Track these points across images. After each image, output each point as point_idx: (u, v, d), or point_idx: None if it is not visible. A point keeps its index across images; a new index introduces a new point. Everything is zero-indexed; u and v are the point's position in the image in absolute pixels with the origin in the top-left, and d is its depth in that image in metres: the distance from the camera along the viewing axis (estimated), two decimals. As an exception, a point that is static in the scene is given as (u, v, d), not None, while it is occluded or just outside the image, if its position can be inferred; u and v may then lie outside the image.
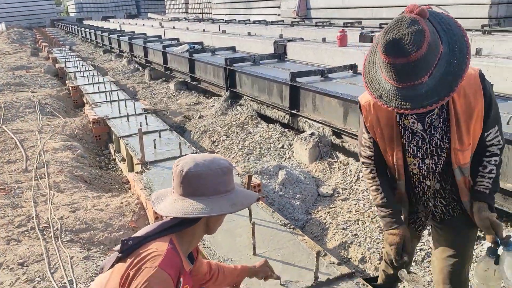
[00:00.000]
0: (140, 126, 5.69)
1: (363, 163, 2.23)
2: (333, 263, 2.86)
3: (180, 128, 7.86)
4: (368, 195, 4.38)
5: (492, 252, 1.95)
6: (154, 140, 5.49)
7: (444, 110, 1.94)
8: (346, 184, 4.74)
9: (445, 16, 1.80)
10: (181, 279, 1.67)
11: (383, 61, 1.74)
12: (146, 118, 6.73)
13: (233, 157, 6.07)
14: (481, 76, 1.90)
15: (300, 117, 6.10)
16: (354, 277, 2.72)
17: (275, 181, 4.64)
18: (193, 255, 1.91)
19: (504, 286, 2.11)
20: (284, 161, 5.64)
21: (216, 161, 1.77)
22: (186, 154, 4.96)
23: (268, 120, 7.04)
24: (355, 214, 4.10)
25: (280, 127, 6.62)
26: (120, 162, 6.17)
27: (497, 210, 3.46)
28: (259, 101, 7.28)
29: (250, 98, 7.61)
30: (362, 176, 4.65)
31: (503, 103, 4.47)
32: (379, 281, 2.76)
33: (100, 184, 5.34)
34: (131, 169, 5.48)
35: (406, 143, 2.03)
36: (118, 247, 1.66)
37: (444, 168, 2.04)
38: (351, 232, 3.83)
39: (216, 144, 6.76)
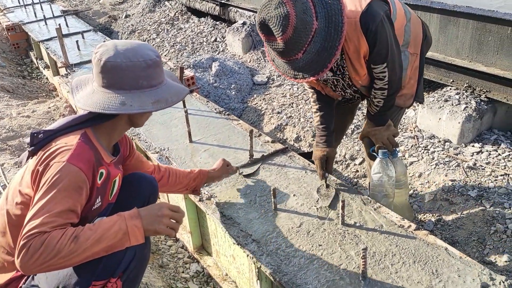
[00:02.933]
0: (60, 26, 5.26)
1: (307, 90, 2.51)
2: (268, 141, 2.95)
3: (106, 29, 7.37)
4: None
5: (373, 155, 2.35)
6: (77, 41, 5.13)
7: (342, 53, 2.09)
8: (280, 70, 4.77)
9: None
10: (102, 171, 1.60)
11: (262, 38, 1.91)
12: (66, 20, 6.21)
13: (165, 55, 5.85)
14: (363, 20, 1.93)
15: (231, 7, 5.86)
16: (287, 152, 2.84)
17: (209, 73, 4.56)
18: (119, 147, 1.83)
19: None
20: (218, 54, 5.52)
21: (140, 51, 1.57)
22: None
23: (199, 14, 6.72)
24: (289, 98, 4.18)
25: (212, 20, 6.36)
26: (44, 69, 5.79)
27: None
28: (187, -6, 6.88)
29: (178, -8, 7.17)
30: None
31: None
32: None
33: (25, 93, 5.03)
34: (56, 74, 5.16)
35: (328, 83, 2.32)
36: (28, 139, 1.55)
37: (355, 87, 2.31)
38: (286, 115, 3.93)
39: (147, 43, 6.45)
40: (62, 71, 4.68)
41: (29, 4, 7.28)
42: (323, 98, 2.41)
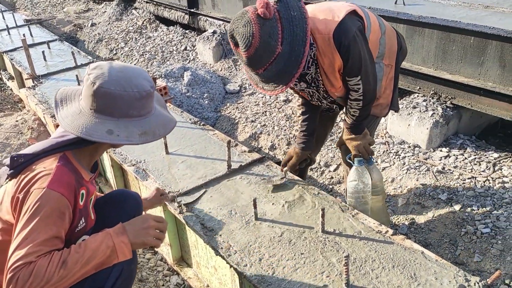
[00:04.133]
0: (24, 37, 5.11)
1: (293, 95, 2.57)
2: (245, 151, 2.98)
3: (72, 38, 7.22)
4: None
5: (350, 163, 2.43)
6: (43, 52, 5.00)
7: (317, 67, 2.19)
8: (252, 79, 4.81)
9: (299, 14, 1.92)
10: (83, 191, 1.58)
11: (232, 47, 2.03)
12: (30, 30, 6.04)
13: (135, 64, 5.79)
14: (336, 36, 2.02)
15: (200, 16, 5.88)
16: (265, 161, 2.88)
17: (181, 82, 4.56)
18: (97, 164, 1.81)
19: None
20: (188, 63, 5.52)
21: (135, 80, 1.53)
22: (81, 64, 4.64)
23: (168, 22, 6.69)
24: (262, 107, 4.22)
25: (181, 29, 6.35)
26: (8, 80, 5.61)
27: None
28: (155, 2, 6.83)
29: (145, 0, 7.10)
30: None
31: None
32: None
33: (-11, 105, 4.87)
34: (21, 85, 5.02)
35: (304, 93, 2.43)
36: (8, 161, 1.51)
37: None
38: (260, 123, 3.97)
39: (115, 52, 6.37)
40: (29, 82, 4.55)
41: (-10, 14, 7.04)
42: (308, 103, 2.50)
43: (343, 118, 2.47)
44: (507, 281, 2.33)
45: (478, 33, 3.00)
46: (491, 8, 3.52)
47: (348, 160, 2.42)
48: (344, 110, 2.48)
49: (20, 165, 1.50)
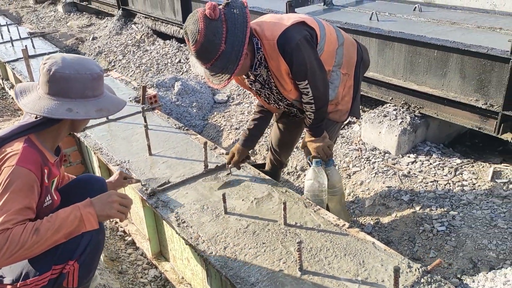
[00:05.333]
0: (26, 48, 5.40)
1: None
2: (223, 153, 3.19)
3: (73, 50, 7.52)
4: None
5: (310, 163, 2.60)
6: (43, 62, 5.27)
7: (268, 70, 2.40)
8: (240, 90, 5.04)
9: (241, 18, 2.16)
10: (46, 170, 1.76)
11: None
12: (32, 42, 6.33)
13: (131, 75, 6.05)
14: (279, 42, 2.24)
15: (194, 30, 6.15)
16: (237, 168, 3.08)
17: (171, 92, 4.79)
18: (60, 148, 2.02)
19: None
20: (181, 74, 5.77)
21: (87, 65, 1.77)
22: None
23: (164, 36, 6.98)
24: (247, 115, 4.45)
25: (176, 43, 6.63)
26: (9, 89, 5.88)
27: (362, 97, 4.00)
28: (153, 18, 7.13)
29: (144, 15, 7.41)
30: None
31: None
32: (266, 168, 3.22)
33: (-10, 112, 5.12)
34: (21, 94, 5.27)
35: (261, 96, 2.63)
36: None
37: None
38: (243, 131, 4.19)
39: (113, 64, 6.64)
40: (28, 90, 4.80)
41: (-4, 27, 7.36)
42: (264, 108, 2.73)
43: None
44: (458, 275, 2.50)
45: (441, 47, 3.23)
46: (456, 24, 3.75)
47: (308, 161, 2.62)
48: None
49: None
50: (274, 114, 2.88)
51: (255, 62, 2.36)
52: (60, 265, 1.73)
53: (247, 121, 4.36)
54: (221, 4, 2.21)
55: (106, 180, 2.40)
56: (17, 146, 1.68)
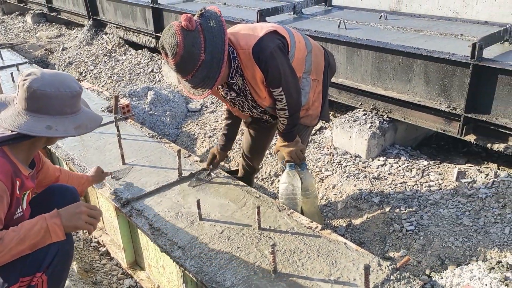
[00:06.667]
0: (-7, 60, 5.30)
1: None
2: (197, 161, 3.21)
3: (42, 61, 7.41)
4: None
5: (284, 167, 2.68)
6: (12, 74, 5.19)
7: (243, 78, 2.45)
8: (214, 98, 5.08)
9: (218, 26, 2.21)
10: (17, 182, 1.76)
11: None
12: (0, 53, 6.21)
13: (102, 85, 6.01)
14: (254, 51, 2.31)
15: (166, 40, 6.16)
16: (215, 169, 3.11)
17: (144, 101, 4.79)
18: (35, 161, 2.02)
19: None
20: (154, 84, 5.77)
21: (66, 82, 1.79)
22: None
23: (136, 46, 6.96)
24: (220, 123, 4.48)
25: (149, 52, 6.63)
26: (-24, 101, 5.74)
27: (333, 102, 4.11)
28: (124, 27, 7.11)
29: (115, 25, 7.37)
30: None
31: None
32: (239, 173, 3.26)
33: (-44, 125, 4.99)
34: (-11, 106, 5.16)
35: (235, 103, 2.67)
36: None
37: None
38: (217, 138, 4.22)
39: (84, 74, 6.58)
40: (-4, 102, 4.71)
41: (-39, 37, 7.19)
42: (232, 118, 2.84)
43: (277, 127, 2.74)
44: (427, 272, 2.59)
45: (405, 53, 3.35)
46: (420, 31, 3.90)
47: (282, 165, 2.68)
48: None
49: None
50: (242, 120, 2.94)
51: (231, 71, 2.41)
52: (27, 277, 1.71)
53: (220, 128, 4.40)
54: (195, 15, 2.25)
55: (88, 174, 2.55)
56: None
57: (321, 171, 3.55)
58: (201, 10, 2.24)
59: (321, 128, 4.12)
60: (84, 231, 3.26)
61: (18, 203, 1.80)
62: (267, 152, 3.59)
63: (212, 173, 2.91)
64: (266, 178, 3.70)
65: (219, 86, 2.58)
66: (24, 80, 1.73)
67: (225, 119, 2.89)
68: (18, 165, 1.80)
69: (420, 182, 3.19)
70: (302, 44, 2.54)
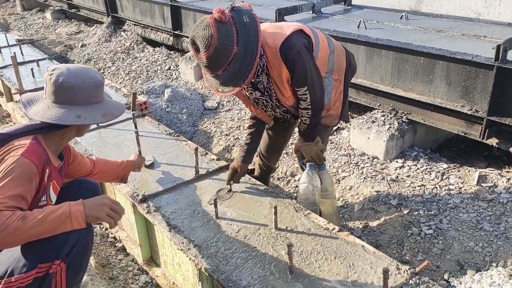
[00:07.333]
0: (15, 55, 5.37)
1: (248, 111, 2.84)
2: (213, 159, 3.21)
3: (62, 57, 7.49)
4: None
5: (303, 167, 2.64)
6: (32, 69, 5.25)
7: (268, 77, 2.42)
8: (230, 97, 5.07)
9: (250, 19, 2.19)
10: (47, 170, 1.83)
11: (192, 53, 2.23)
12: (21, 49, 6.31)
13: (120, 82, 6.05)
14: (282, 50, 2.27)
15: (184, 38, 6.18)
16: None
17: (161, 99, 4.81)
18: (63, 155, 2.10)
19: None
20: (171, 81, 5.79)
21: (89, 73, 1.92)
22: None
23: (154, 43, 7.00)
24: (237, 122, 4.48)
25: (166, 50, 6.65)
26: (-4, 96, 5.84)
27: (351, 103, 4.06)
28: (142, 25, 7.15)
29: (134, 23, 7.43)
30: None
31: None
32: (255, 173, 3.24)
33: (-23, 120, 5.08)
34: (10, 100, 5.24)
35: (258, 103, 2.63)
36: None
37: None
38: (233, 137, 4.22)
39: (102, 71, 6.63)
40: (17, 97, 4.78)
41: (-17, 33, 7.31)
42: (257, 119, 2.74)
43: (298, 127, 2.72)
44: (446, 277, 2.55)
45: (427, 54, 3.30)
46: (442, 32, 3.84)
47: (301, 165, 2.66)
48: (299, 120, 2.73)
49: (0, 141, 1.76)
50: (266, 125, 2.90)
51: (258, 69, 2.39)
52: (46, 263, 1.72)
53: (238, 129, 4.40)
54: (226, 9, 2.23)
55: (128, 160, 2.65)
56: (25, 141, 1.76)
57: (337, 172, 3.52)
58: (232, 5, 2.22)
59: (338, 129, 4.09)
60: (103, 226, 3.32)
61: (44, 191, 1.84)
62: (284, 151, 3.57)
63: (233, 190, 2.76)
64: (282, 177, 3.68)
65: (244, 86, 2.54)
66: (50, 74, 1.84)
67: (248, 128, 2.79)
68: (50, 155, 1.88)
69: (440, 186, 3.14)
70: (325, 43, 2.51)
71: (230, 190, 2.74)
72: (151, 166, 3.11)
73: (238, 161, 2.75)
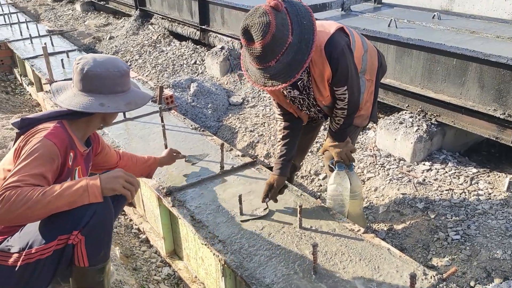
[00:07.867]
0: (45, 45, 5.48)
1: (276, 119, 2.72)
2: (238, 155, 3.22)
3: (90, 49, 7.61)
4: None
5: (332, 168, 2.60)
6: (62, 60, 5.35)
7: (309, 75, 2.36)
8: (255, 93, 5.07)
9: (304, 9, 2.13)
10: (71, 153, 1.90)
11: (243, 44, 2.13)
12: (51, 40, 6.43)
13: (146, 75, 6.11)
14: (327, 48, 2.21)
15: (211, 32, 6.20)
16: (256, 165, 3.10)
17: (187, 93, 4.84)
18: (91, 142, 2.17)
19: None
20: (197, 76, 5.81)
21: (115, 63, 1.97)
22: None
23: (181, 37, 7.04)
24: (261, 118, 4.47)
25: (192, 44, 6.68)
26: (28, 85, 5.97)
27: (378, 103, 4.00)
28: (170, 19, 7.20)
29: (161, 16, 7.48)
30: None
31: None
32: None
33: (8, 107, 5.21)
34: (40, 90, 5.36)
35: (295, 102, 2.56)
36: (18, 123, 1.85)
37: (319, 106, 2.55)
38: (257, 133, 4.21)
39: (129, 64, 6.71)
40: (47, 87, 4.89)
41: (15, 23, 7.46)
42: (289, 127, 2.62)
43: (326, 127, 2.68)
44: (472, 284, 2.49)
45: (460, 55, 3.23)
46: (476, 33, 3.74)
47: (330, 165, 2.63)
48: (329, 119, 2.70)
49: (27, 126, 1.84)
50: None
51: None
52: (65, 235, 1.76)
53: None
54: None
55: (155, 157, 2.69)
56: (49, 125, 1.84)
57: (363, 172, 3.48)
58: None
59: (364, 129, 4.04)
60: (127, 216, 3.37)
61: (69, 173, 1.90)
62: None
63: (268, 208, 2.56)
64: (306, 176, 3.67)
65: (294, 80, 2.41)
66: (77, 63, 1.91)
67: (281, 139, 2.62)
68: (75, 140, 1.94)
69: (468, 190, 3.07)
70: (360, 43, 2.48)
71: (266, 209, 2.55)
72: (195, 158, 3.14)
73: (275, 174, 2.56)
